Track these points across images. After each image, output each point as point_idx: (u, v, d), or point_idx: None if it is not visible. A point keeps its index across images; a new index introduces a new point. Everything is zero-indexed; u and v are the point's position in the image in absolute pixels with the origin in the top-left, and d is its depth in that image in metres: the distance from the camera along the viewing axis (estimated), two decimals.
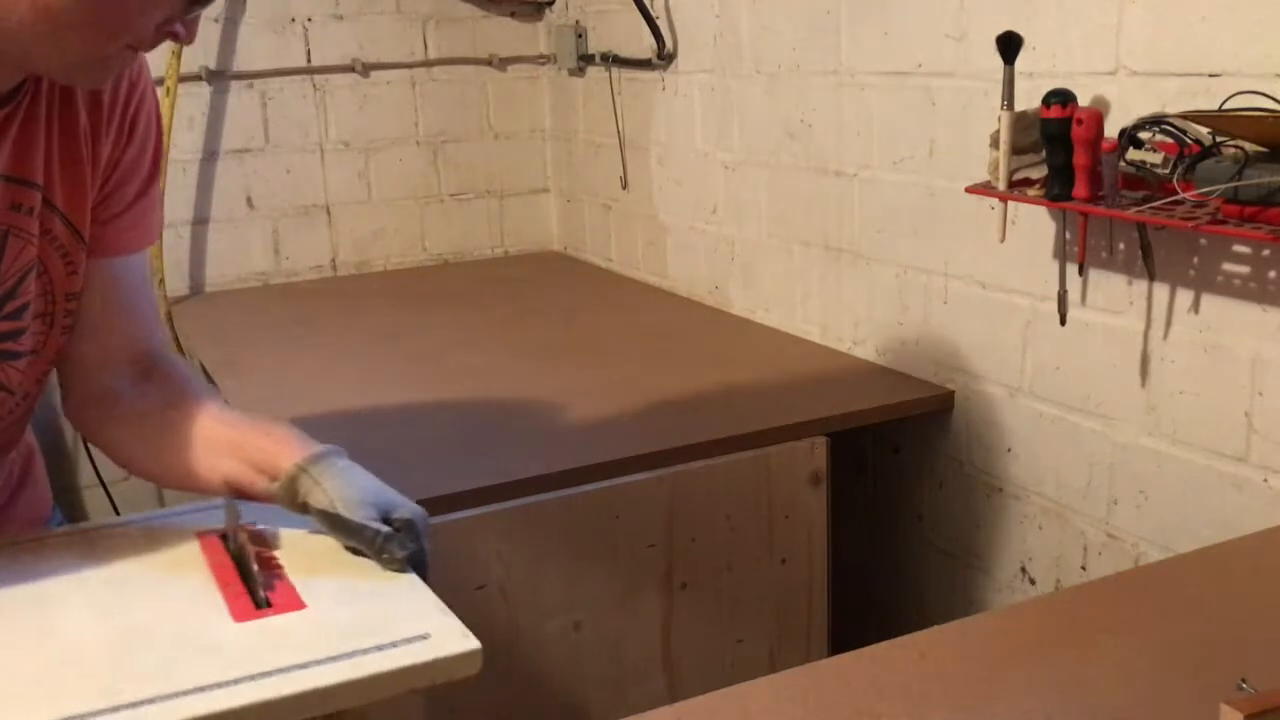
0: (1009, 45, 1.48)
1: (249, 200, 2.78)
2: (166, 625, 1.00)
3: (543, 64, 3.02)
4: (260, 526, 1.13)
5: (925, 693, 0.89)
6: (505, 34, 2.97)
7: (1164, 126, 1.35)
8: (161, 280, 2.62)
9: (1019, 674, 0.92)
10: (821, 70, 1.99)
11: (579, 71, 2.84)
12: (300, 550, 1.11)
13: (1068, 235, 1.55)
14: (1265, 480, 1.37)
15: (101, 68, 0.96)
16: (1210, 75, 1.35)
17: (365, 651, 0.93)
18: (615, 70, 2.65)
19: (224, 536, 1.15)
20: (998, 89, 1.48)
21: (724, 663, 1.68)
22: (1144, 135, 1.38)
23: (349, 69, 2.82)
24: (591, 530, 1.56)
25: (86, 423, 1.20)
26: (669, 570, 1.62)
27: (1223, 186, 1.26)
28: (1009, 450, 1.73)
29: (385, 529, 1.06)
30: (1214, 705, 0.78)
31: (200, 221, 2.74)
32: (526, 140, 3.05)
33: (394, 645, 0.94)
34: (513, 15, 2.97)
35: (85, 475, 2.69)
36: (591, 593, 1.58)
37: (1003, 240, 1.57)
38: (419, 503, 1.34)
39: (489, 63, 2.96)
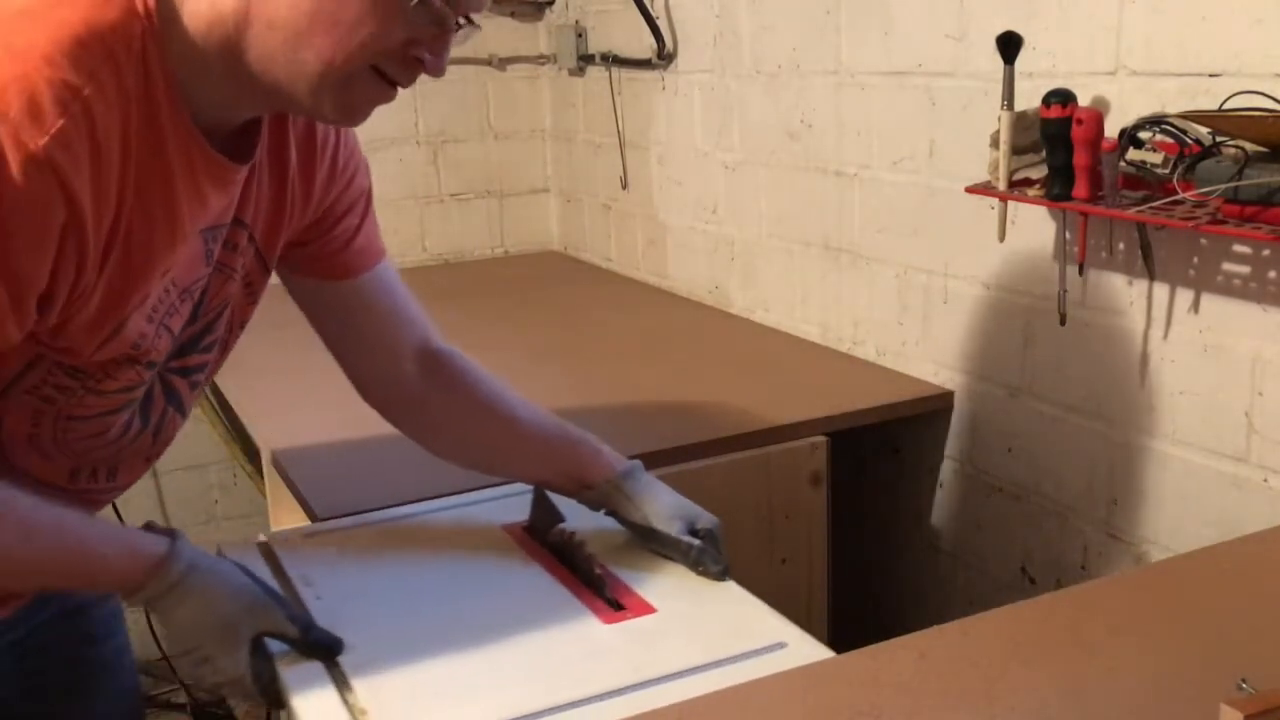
0: (1009, 45, 1.48)
1: None
2: (549, 628, 1.08)
3: (543, 64, 3.02)
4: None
5: (925, 693, 0.89)
6: (505, 34, 2.97)
7: (1164, 126, 1.35)
8: None
9: (1019, 674, 0.92)
10: (821, 70, 1.99)
11: (579, 71, 2.84)
12: (604, 545, 1.21)
13: (1068, 235, 1.55)
14: (1265, 480, 1.37)
15: (347, 91, 0.93)
16: (1210, 75, 1.35)
17: (738, 658, 1.01)
18: (615, 70, 2.65)
19: (528, 529, 1.27)
20: (998, 89, 1.48)
21: None
22: (1144, 135, 1.38)
23: None
24: None
25: (391, 417, 1.29)
26: None
27: (1223, 186, 1.26)
28: (1009, 450, 1.73)
29: (698, 543, 1.17)
30: (1214, 705, 0.78)
31: None
32: (526, 140, 3.05)
33: (758, 653, 1.01)
34: (513, 15, 2.97)
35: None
36: None
37: (1003, 240, 1.57)
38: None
39: (489, 63, 2.96)
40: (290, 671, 1.02)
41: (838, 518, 1.74)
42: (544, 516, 1.24)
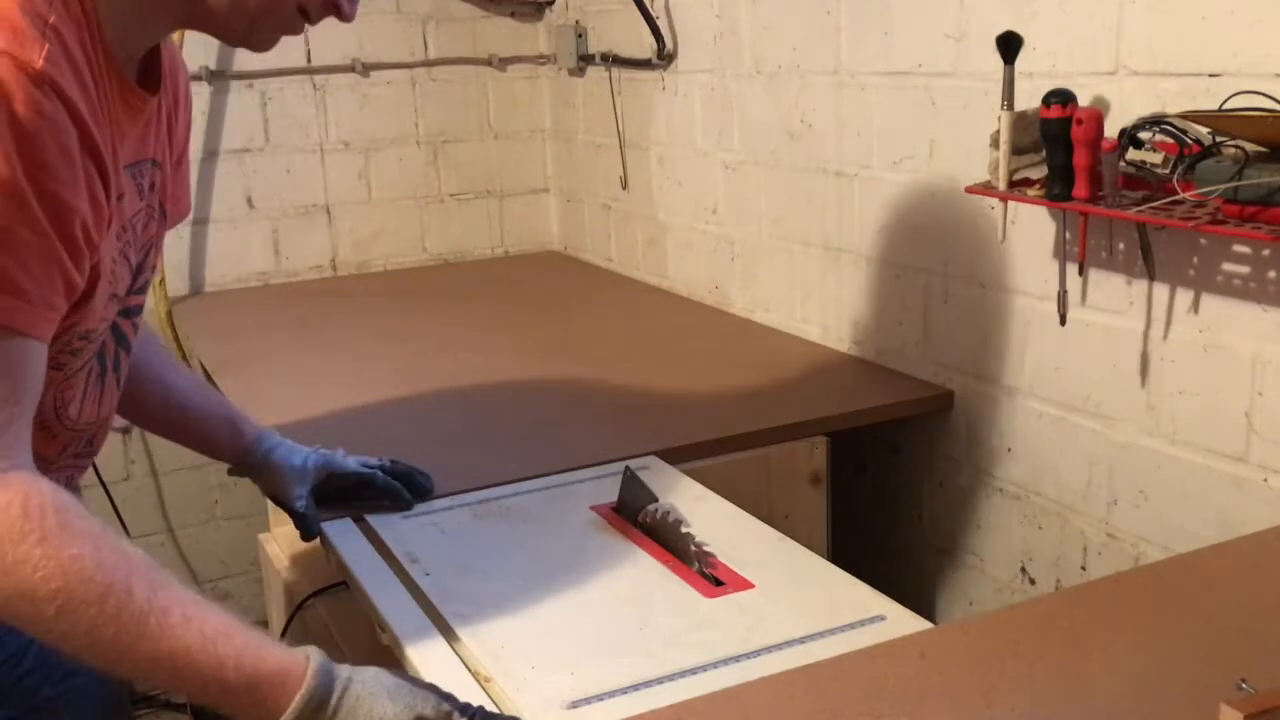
0: (1009, 45, 1.48)
1: (249, 200, 2.78)
2: (654, 602, 1.12)
3: (543, 64, 3.02)
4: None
5: (925, 693, 0.89)
6: (505, 34, 2.97)
7: (1164, 126, 1.35)
8: (162, 280, 2.62)
9: (1019, 674, 0.92)
10: (821, 70, 1.99)
11: (579, 71, 2.84)
12: (696, 524, 1.25)
13: (1068, 235, 1.55)
14: (1265, 480, 1.37)
15: (277, 28, 1.00)
16: (1210, 75, 1.35)
17: (840, 629, 1.05)
18: (615, 70, 2.65)
19: (617, 509, 1.31)
20: (998, 89, 1.48)
21: None
22: (1144, 135, 1.38)
23: (349, 69, 2.82)
24: None
25: None
26: None
27: (1223, 186, 1.26)
28: (1009, 450, 1.73)
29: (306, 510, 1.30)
30: (1214, 705, 0.78)
31: (200, 221, 2.73)
32: (526, 140, 3.05)
33: (858, 625, 1.05)
34: (513, 15, 2.97)
35: (85, 475, 2.68)
36: None
37: (1003, 240, 1.57)
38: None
39: (489, 63, 2.96)
40: (409, 636, 1.05)
41: (838, 518, 1.74)
42: (634, 497, 1.28)
